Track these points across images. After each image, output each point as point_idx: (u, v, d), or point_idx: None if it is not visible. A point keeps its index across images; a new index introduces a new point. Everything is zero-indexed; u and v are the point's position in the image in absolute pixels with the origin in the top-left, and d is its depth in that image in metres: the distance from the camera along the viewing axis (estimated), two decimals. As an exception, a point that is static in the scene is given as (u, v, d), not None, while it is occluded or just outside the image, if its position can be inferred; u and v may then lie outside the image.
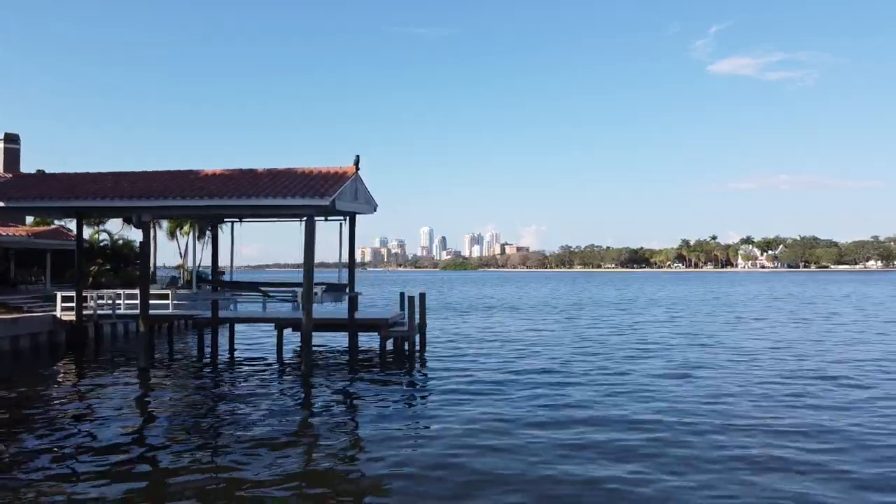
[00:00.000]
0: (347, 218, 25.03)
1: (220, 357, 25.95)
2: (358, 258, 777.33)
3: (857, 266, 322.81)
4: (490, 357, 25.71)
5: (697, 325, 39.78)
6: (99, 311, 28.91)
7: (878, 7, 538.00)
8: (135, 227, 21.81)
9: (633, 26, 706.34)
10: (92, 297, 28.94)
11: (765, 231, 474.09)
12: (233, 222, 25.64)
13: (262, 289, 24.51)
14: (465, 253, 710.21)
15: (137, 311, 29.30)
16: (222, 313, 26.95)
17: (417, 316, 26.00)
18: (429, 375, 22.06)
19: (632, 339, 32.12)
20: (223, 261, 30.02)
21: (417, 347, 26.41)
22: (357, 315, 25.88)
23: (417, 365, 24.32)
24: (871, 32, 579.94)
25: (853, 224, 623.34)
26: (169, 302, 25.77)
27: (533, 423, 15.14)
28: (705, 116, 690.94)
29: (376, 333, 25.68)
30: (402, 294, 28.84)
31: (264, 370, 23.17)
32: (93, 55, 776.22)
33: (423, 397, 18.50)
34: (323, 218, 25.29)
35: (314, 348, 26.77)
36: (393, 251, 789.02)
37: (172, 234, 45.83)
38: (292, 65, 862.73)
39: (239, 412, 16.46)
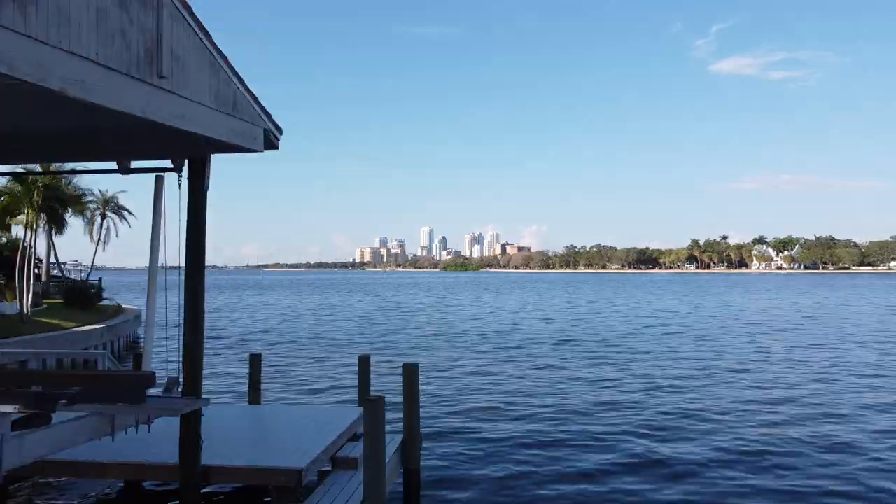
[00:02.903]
0: (187, 164, 8.27)
1: None
2: (357, 258, 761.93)
3: (881, 268, 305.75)
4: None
5: None
6: None
7: (880, 6, 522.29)
8: None
9: (634, 25, 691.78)
10: None
11: (768, 231, 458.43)
12: None
13: None
14: (466, 253, 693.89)
15: None
16: None
17: (397, 445, 9.24)
18: None
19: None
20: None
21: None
22: (235, 451, 9.33)
23: None
24: (872, 31, 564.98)
25: (856, 224, 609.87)
26: None
27: None
28: (706, 116, 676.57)
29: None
30: (361, 375, 11.65)
31: None
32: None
33: None
34: (118, 169, 8.69)
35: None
36: (393, 251, 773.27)
37: (3, 224, 28.78)
38: (291, 64, 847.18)
39: None
